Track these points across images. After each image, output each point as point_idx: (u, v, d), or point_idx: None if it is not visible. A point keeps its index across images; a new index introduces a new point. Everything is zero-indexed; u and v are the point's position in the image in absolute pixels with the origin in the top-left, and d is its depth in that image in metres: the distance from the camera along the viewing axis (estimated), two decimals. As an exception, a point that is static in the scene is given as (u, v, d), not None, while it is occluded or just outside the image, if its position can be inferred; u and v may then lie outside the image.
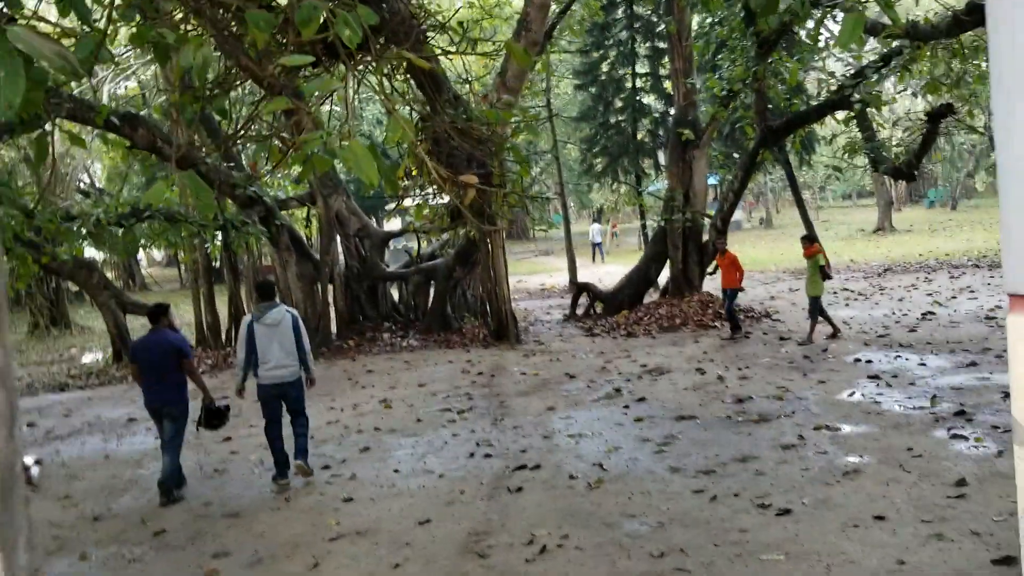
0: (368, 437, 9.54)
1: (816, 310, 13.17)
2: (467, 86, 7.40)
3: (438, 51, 5.61)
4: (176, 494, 7.80)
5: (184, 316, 21.43)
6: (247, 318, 8.06)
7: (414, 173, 5.53)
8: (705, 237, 16.69)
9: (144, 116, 12.44)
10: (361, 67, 3.54)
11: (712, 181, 25.58)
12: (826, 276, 13.09)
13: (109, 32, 4.35)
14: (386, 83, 3.80)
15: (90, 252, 20.40)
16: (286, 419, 8.05)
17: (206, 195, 3.15)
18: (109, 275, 43.54)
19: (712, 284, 17.92)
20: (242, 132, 5.61)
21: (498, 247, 14.73)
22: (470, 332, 16.47)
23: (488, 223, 10.50)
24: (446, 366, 13.69)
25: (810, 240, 13.34)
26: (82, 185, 30.21)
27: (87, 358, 18.83)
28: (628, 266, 23.24)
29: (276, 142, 4.77)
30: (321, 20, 2.96)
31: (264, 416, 7.95)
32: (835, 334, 13.25)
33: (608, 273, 25.55)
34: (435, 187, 5.74)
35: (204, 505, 7.61)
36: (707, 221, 16.89)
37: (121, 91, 24.64)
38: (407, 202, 21.25)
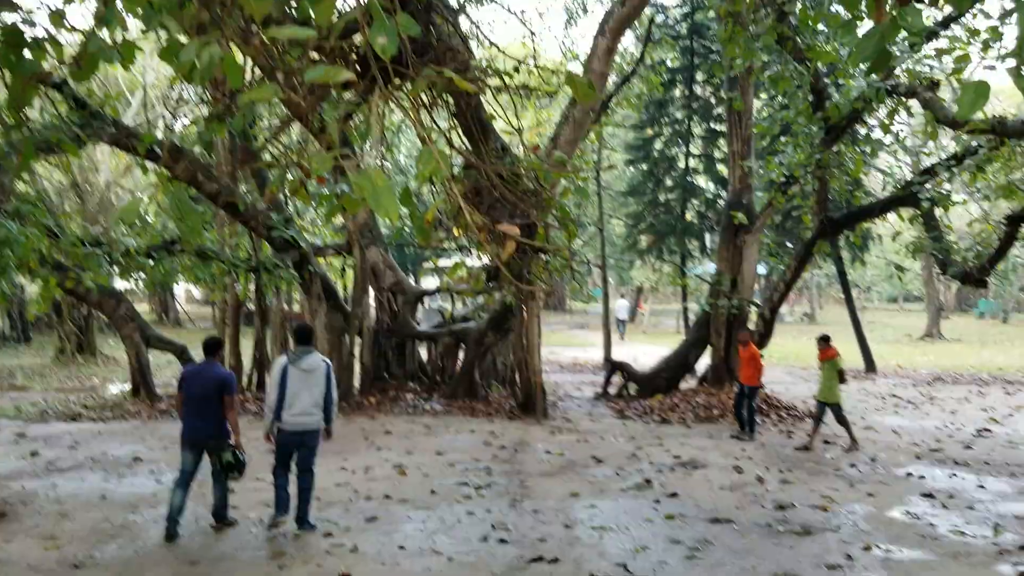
0: (377, 505, 8.90)
1: (840, 418, 12.36)
2: (516, 136, 6.98)
3: (489, 92, 5.23)
4: (229, 519, 8.07)
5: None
6: (282, 359, 7.91)
7: (448, 222, 5.03)
8: (752, 327, 15.99)
9: (187, 149, 12.23)
10: (396, 90, 3.08)
11: (760, 270, 24.89)
12: (842, 379, 12.28)
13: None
14: (423, 114, 3.33)
15: (123, 284, 20.31)
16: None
17: (192, 217, 2.66)
18: (143, 307, 43.82)
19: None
20: (257, 159, 5.20)
21: (533, 315, 14.19)
22: (496, 402, 15.84)
23: (526, 288, 9.98)
24: (468, 435, 13.03)
25: (826, 341, 12.47)
26: (128, 216, 30.39)
27: (107, 390, 18.48)
28: (663, 347, 22.52)
29: (295, 171, 4.31)
30: (343, 25, 2.54)
31: (276, 459, 7.88)
32: (853, 446, 12.37)
33: (644, 353, 24.81)
34: (471, 239, 5.25)
35: (191, 564, 7.01)
36: (753, 309, 16.21)
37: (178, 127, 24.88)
38: (444, 261, 20.86)
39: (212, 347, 8.16)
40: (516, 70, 5.34)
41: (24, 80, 3.03)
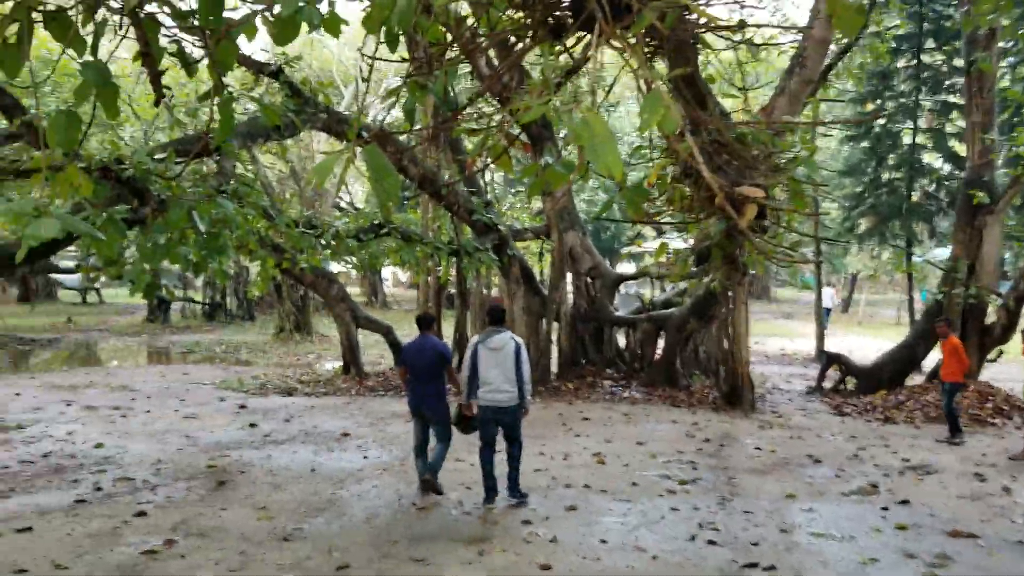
0: (576, 494, 8.57)
1: None
2: (733, 99, 6.39)
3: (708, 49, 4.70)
4: (438, 485, 8.39)
5: (409, 336, 21.72)
6: (474, 339, 8.36)
7: (663, 189, 4.53)
8: (992, 318, 14.25)
9: (394, 135, 12.42)
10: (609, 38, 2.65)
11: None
12: None
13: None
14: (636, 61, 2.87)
15: (336, 266, 21.28)
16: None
17: (390, 179, 2.36)
18: (355, 290, 46.20)
19: (994, 371, 15.34)
20: (457, 121, 4.94)
21: (741, 302, 13.34)
22: (699, 392, 15.09)
23: (737, 272, 9.26)
24: (669, 426, 12.44)
25: None
26: (341, 203, 32.06)
27: (320, 366, 19.44)
28: (881, 340, 20.72)
29: (498, 137, 3.98)
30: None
31: (480, 438, 8.12)
32: None
33: (860, 346, 23.00)
34: (691, 209, 4.72)
35: (392, 543, 6.97)
36: (994, 299, 14.43)
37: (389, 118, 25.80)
38: (646, 245, 20.22)
39: (427, 321, 8.77)
40: (742, 24, 4.74)
41: (224, 38, 2.84)
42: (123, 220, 5.84)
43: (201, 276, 37.22)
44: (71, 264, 31.10)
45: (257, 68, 10.82)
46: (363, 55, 3.48)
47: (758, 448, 11.07)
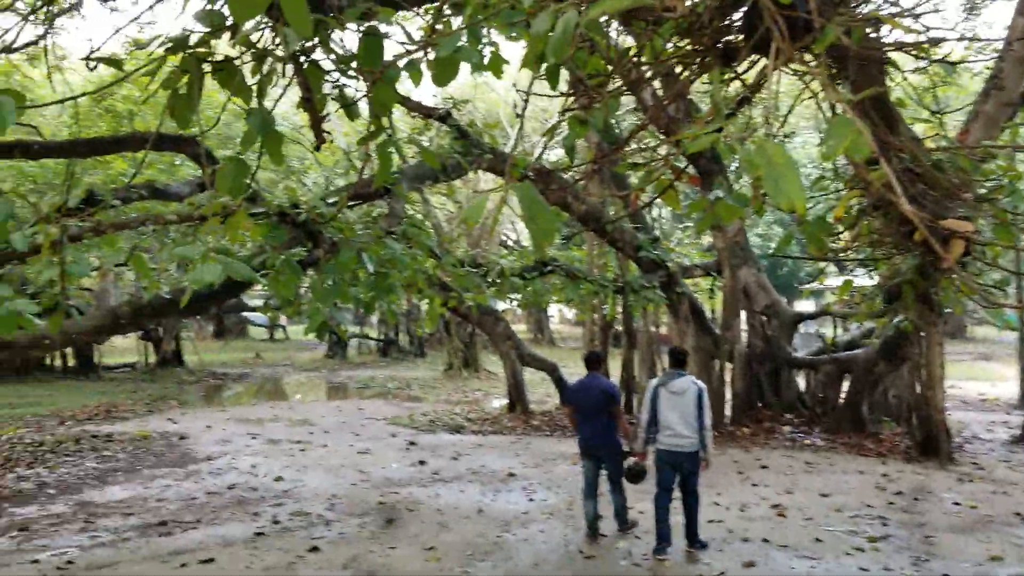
0: (755, 549, 8.02)
1: None
2: (922, 124, 5.85)
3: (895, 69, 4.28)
4: (630, 521, 8.35)
5: (579, 375, 21.53)
6: (653, 382, 8.09)
7: (849, 223, 4.13)
8: None
9: (557, 173, 12.41)
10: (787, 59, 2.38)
11: None
12: None
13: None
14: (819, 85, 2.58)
15: (502, 304, 21.51)
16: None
17: (544, 216, 2.19)
18: (520, 327, 46.63)
19: None
20: (620, 154, 4.75)
21: (935, 343, 12.25)
22: (888, 440, 13.96)
23: (932, 312, 8.49)
24: (856, 476, 11.53)
25: None
26: (508, 241, 32.56)
27: (487, 404, 19.60)
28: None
29: (663, 169, 3.75)
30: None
31: (656, 484, 7.85)
32: None
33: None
34: (884, 244, 4.28)
35: (558, 594, 6.74)
36: None
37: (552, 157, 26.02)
38: (828, 281, 19.16)
39: (595, 360, 8.66)
40: (935, 41, 4.30)
41: (381, 80, 2.80)
42: (298, 262, 6.02)
43: (375, 314, 38.81)
44: (259, 303, 33.21)
45: (426, 113, 11.14)
46: (518, 90, 3.39)
47: (957, 503, 10.03)
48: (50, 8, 23.47)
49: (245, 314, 43.65)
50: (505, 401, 18.04)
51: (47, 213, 5.72)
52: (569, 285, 12.40)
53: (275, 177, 18.39)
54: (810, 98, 3.61)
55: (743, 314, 15.86)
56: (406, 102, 11.62)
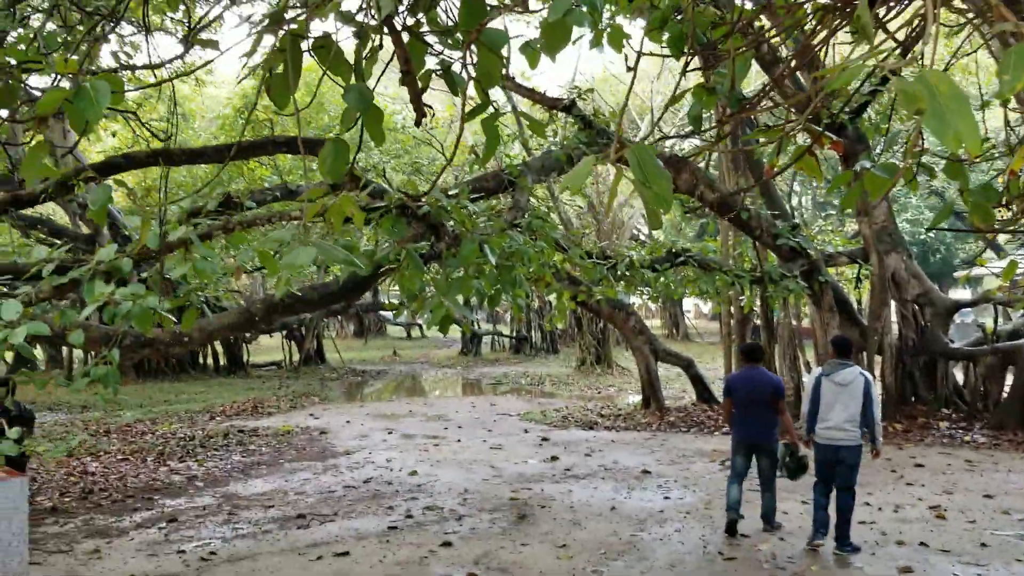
0: (911, 553, 7.42)
1: None
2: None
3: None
4: (776, 523, 8.13)
5: (715, 370, 20.88)
6: (816, 371, 7.98)
7: (1017, 190, 3.64)
8: None
9: (689, 159, 11.95)
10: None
11: None
12: None
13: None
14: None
15: (636, 299, 21.08)
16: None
17: (659, 182, 1.95)
18: (655, 322, 45.81)
19: None
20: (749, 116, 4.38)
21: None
22: (1061, 436, 12.74)
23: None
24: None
25: None
26: (640, 236, 32.00)
27: (620, 400, 19.26)
28: None
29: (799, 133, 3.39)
30: None
31: (815, 474, 7.66)
32: None
33: None
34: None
35: (695, 598, 6.42)
36: None
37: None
38: (988, 265, 17.70)
39: (756, 353, 8.54)
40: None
41: (490, 54, 2.62)
42: (421, 255, 5.96)
43: (508, 311, 38.87)
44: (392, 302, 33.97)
45: (550, 104, 10.96)
46: (634, 51, 3.12)
47: None
48: (194, 25, 24.74)
49: (384, 314, 44.96)
50: (638, 397, 17.65)
51: (181, 214, 5.88)
52: (703, 276, 11.91)
53: (405, 177, 18.70)
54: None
55: (893, 304, 14.87)
56: (529, 93, 11.52)
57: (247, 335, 27.31)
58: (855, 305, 16.04)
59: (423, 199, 5.87)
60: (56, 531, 8.27)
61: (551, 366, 27.87)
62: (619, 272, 10.93)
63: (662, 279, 12.01)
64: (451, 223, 6.29)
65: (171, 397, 19.83)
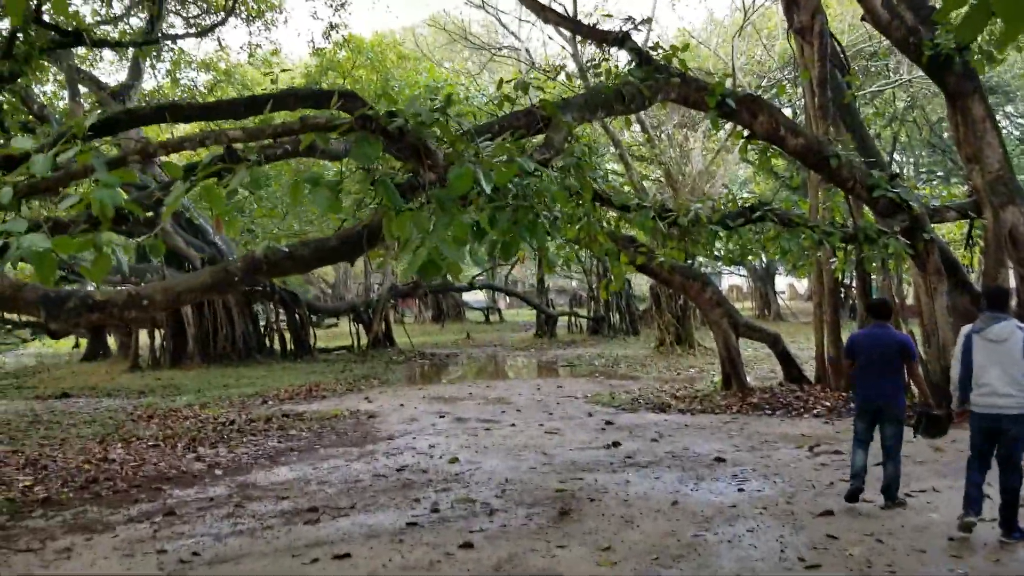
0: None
1: None
2: None
3: None
4: (899, 498, 7.34)
5: (807, 350, 19.06)
6: (966, 329, 6.82)
7: None
8: None
9: (765, 99, 10.36)
10: None
11: None
12: None
13: None
14: None
15: (727, 279, 19.38)
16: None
17: None
18: (745, 304, 43.63)
19: None
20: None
21: None
22: None
23: None
24: None
25: None
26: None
27: (699, 381, 17.68)
28: None
29: None
30: None
31: (971, 446, 6.62)
32: None
33: None
34: None
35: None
36: None
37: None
38: None
39: (884, 310, 7.69)
40: None
41: None
42: (398, 186, 4.71)
43: (585, 292, 37.38)
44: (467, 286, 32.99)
45: (599, 37, 9.53)
46: None
47: None
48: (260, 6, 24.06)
49: (464, 298, 44.14)
50: (718, 377, 16.06)
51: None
52: (785, 234, 10.29)
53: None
54: None
55: (1010, 264, 12.87)
56: (574, 25, 10.14)
57: (313, 318, 26.75)
58: (965, 267, 14.05)
59: (401, 115, 4.61)
60: (38, 525, 7.40)
61: (629, 348, 26.37)
62: (683, 227, 9.43)
63: (734, 238, 10.42)
64: (445, 148, 5.01)
65: (231, 382, 19.24)
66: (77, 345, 30.18)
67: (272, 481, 9.10)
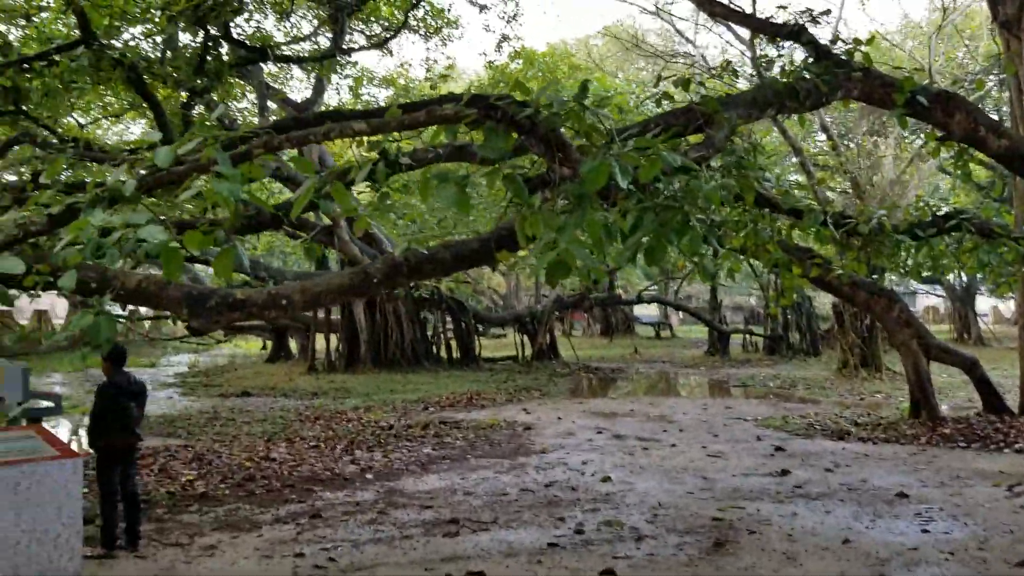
0: None
1: None
2: None
3: None
4: None
5: (1009, 378, 17.09)
6: None
7: None
8: None
9: (962, 96, 9.26)
10: None
11: None
12: None
13: None
14: None
15: (922, 299, 17.72)
16: None
17: None
18: (941, 327, 40.22)
19: None
20: None
21: None
22: None
23: None
24: None
25: None
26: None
27: (885, 407, 16.20)
28: None
29: None
30: None
31: None
32: None
33: None
34: None
35: None
36: None
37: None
38: None
39: None
40: None
41: None
42: (527, 180, 4.38)
43: (762, 309, 35.65)
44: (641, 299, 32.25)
45: (772, 30, 8.82)
46: None
47: None
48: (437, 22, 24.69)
49: (635, 312, 43.40)
50: (906, 403, 14.63)
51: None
52: (984, 246, 9.10)
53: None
54: None
55: None
56: (743, 19, 9.44)
57: (479, 327, 26.99)
58: None
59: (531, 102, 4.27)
60: (191, 520, 7.61)
61: (809, 369, 24.76)
62: (863, 236, 8.50)
63: (924, 249, 9.30)
64: (581, 142, 4.63)
65: (397, 387, 19.64)
66: (265, 347, 32.02)
67: (419, 489, 9.00)
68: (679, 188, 5.26)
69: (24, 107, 15.84)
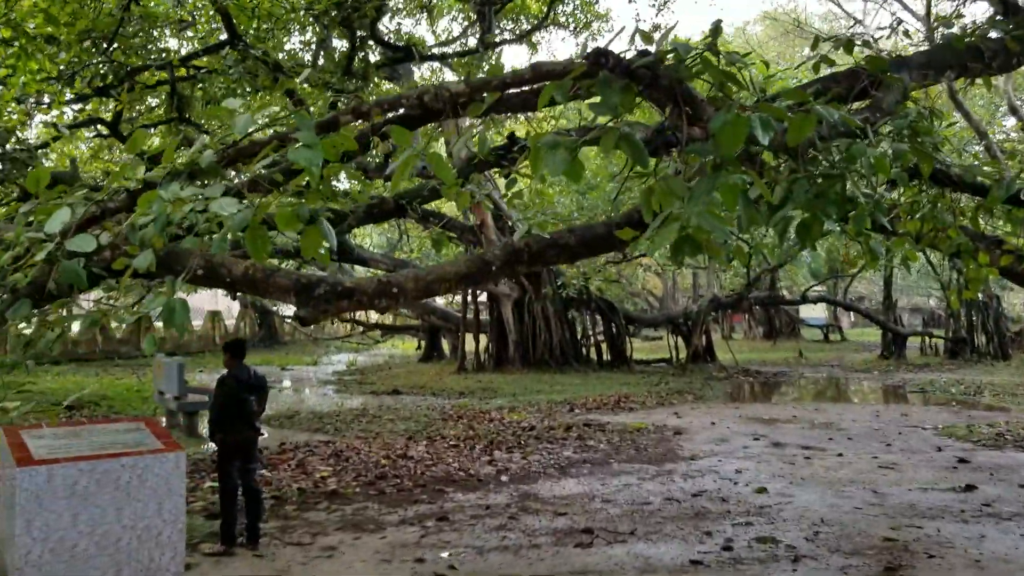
0: None
1: None
2: None
3: None
4: None
5: None
6: None
7: None
8: None
9: None
10: None
11: None
12: None
13: None
14: None
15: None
16: None
17: None
18: None
19: None
20: None
21: None
22: None
23: None
24: None
25: None
26: None
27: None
28: None
29: None
30: None
31: None
32: None
33: None
34: None
35: None
36: None
37: None
38: None
39: None
40: None
41: None
42: (648, 143, 3.77)
43: (943, 311, 32.69)
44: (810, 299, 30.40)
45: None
46: None
47: None
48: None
49: (801, 314, 41.08)
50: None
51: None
52: None
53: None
54: None
55: None
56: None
57: (630, 329, 26.17)
58: None
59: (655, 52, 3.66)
60: (317, 518, 7.42)
61: (996, 374, 22.40)
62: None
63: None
64: (709, 93, 3.97)
65: (544, 388, 19.21)
66: (419, 347, 32.51)
67: (555, 494, 8.48)
68: (839, 155, 4.50)
69: (188, 115, 16.60)
